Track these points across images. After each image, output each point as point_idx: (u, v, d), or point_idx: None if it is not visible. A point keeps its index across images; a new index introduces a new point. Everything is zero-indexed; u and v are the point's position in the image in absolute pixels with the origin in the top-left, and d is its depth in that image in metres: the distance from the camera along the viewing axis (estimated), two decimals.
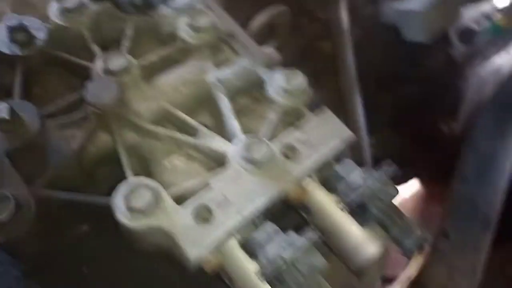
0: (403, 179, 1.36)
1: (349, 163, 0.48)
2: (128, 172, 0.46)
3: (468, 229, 0.81)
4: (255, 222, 0.44)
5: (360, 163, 0.48)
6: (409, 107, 1.33)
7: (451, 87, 1.16)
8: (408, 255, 0.44)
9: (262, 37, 0.79)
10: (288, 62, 1.23)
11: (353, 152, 1.03)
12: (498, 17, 0.95)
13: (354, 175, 0.46)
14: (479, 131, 0.88)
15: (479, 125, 0.89)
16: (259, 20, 0.69)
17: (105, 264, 0.51)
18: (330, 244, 0.48)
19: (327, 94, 1.15)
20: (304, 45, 1.18)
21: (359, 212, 0.45)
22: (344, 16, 0.99)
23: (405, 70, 1.16)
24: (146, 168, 0.49)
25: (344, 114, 1.08)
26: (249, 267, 0.42)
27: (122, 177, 0.44)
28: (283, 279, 0.40)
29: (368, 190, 0.44)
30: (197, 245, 0.42)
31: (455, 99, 1.15)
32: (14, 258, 0.45)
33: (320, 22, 1.06)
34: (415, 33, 0.69)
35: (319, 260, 0.41)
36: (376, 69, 1.21)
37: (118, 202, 0.42)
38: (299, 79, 0.51)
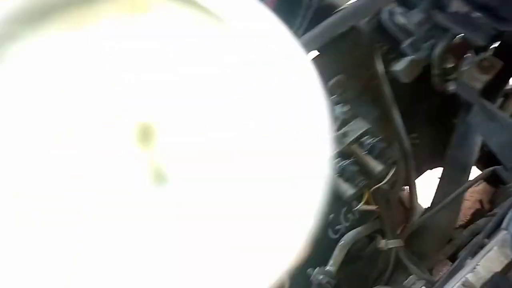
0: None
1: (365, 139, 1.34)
2: None
3: (453, 173, 1.56)
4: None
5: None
6: (438, 111, 2.08)
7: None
8: (386, 164, 1.28)
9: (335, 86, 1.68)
10: (357, 92, 2.24)
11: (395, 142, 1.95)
12: None
13: (367, 142, 1.32)
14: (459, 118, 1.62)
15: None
16: (332, 82, 1.60)
17: None
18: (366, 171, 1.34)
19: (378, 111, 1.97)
20: (363, 84, 2.05)
21: (369, 153, 1.31)
22: (379, 67, 1.81)
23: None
24: None
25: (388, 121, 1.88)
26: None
27: None
28: (343, 174, 1.27)
29: (369, 146, 1.30)
30: None
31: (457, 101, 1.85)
32: None
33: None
34: (403, 79, 1.50)
35: (354, 167, 1.27)
36: (409, 89, 1.99)
37: None
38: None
